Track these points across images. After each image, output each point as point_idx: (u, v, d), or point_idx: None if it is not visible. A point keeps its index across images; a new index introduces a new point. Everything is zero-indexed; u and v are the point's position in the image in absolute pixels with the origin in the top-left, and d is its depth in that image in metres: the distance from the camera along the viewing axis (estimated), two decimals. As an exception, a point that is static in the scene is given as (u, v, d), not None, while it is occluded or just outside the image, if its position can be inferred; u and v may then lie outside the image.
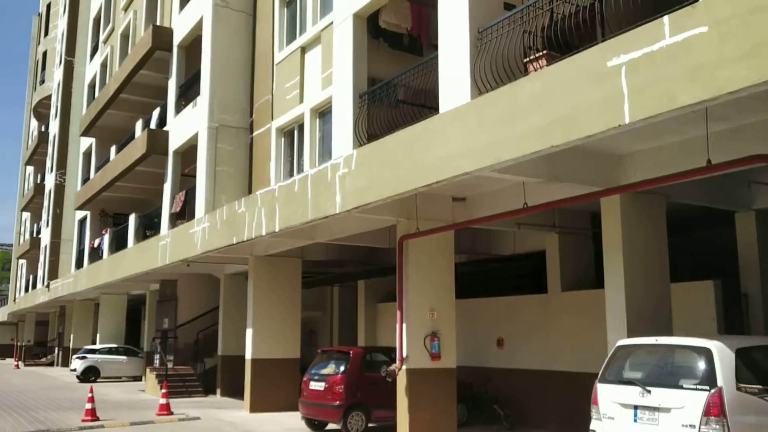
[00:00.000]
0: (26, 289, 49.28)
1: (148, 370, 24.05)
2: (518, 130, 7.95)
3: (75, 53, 41.22)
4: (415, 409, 11.89)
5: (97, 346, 30.28)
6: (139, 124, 25.25)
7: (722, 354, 7.35)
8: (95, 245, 30.24)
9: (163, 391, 17.02)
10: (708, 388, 7.17)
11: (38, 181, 48.65)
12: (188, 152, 21.47)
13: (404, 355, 11.98)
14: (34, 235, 48.05)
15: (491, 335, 15.50)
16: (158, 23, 24.16)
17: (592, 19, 9.20)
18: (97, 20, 35.35)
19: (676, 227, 11.36)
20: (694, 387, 7.31)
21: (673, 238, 10.85)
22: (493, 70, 9.35)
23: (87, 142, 34.52)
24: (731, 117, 8.23)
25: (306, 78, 16.30)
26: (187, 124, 20.67)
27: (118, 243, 27.35)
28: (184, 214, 20.31)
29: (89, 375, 28.34)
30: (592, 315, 13.04)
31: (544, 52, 8.58)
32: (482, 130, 8.43)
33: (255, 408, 17.04)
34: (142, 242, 22.51)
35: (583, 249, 14.42)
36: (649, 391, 7.65)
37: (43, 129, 48.66)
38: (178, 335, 23.88)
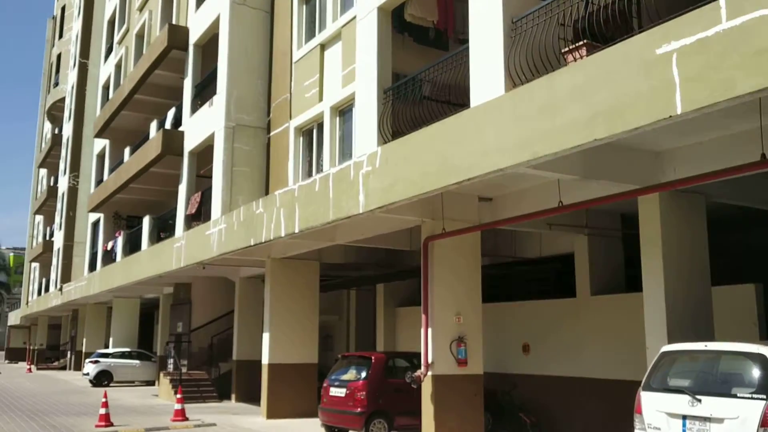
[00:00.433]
0: (39, 293, 49.16)
1: (161, 374, 23.71)
2: (558, 124, 7.53)
3: (89, 55, 41.08)
4: (441, 417, 11.44)
5: (110, 350, 29.99)
6: (153, 125, 24.96)
7: (778, 360, 6.89)
8: (108, 248, 29.98)
9: (178, 396, 16.65)
10: (765, 397, 6.71)
11: (51, 184, 48.54)
12: (204, 153, 21.13)
13: (430, 360, 11.54)
14: (47, 238, 47.89)
15: (516, 341, 15.03)
16: (174, 22, 23.87)
17: (629, 9, 8.78)
18: (111, 21, 35.19)
19: (713, 228, 10.88)
20: (749, 396, 6.84)
21: (710, 239, 10.39)
22: (528, 62, 8.91)
23: (101, 144, 34.31)
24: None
25: (325, 76, 15.92)
26: (203, 124, 20.34)
27: (132, 246, 27.07)
28: (199, 215, 19.96)
29: (102, 379, 28.07)
30: (625, 320, 12.58)
31: (585, 41, 8.13)
32: (518, 124, 8.01)
33: (272, 414, 16.62)
34: (156, 245, 22.20)
35: (613, 251, 13.95)
36: (699, 400, 7.18)
37: (56, 131, 48.57)
38: (192, 339, 23.55)
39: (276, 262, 17.21)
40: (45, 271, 48.76)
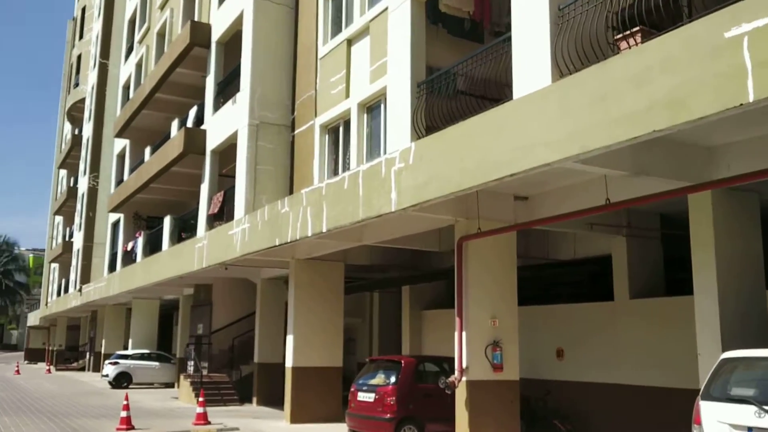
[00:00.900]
0: (58, 293, 49.16)
1: (181, 377, 23.39)
2: (611, 115, 7.05)
3: (109, 56, 41.01)
4: (476, 424, 10.95)
5: (130, 352, 29.75)
6: (174, 124, 24.68)
7: None
8: (128, 248, 29.75)
9: (200, 399, 16.27)
10: (841, 408, 6.19)
11: (71, 185, 48.55)
12: (226, 151, 20.79)
13: (464, 365, 11.06)
14: (67, 238, 47.89)
15: (550, 345, 14.52)
16: (196, 20, 23.57)
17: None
18: (132, 21, 35.05)
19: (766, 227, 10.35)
20: (823, 407, 6.32)
21: (763, 239, 9.86)
22: (578, 50, 8.43)
23: (121, 144, 34.16)
24: None
25: (352, 72, 15.51)
26: (226, 122, 19.99)
27: (152, 246, 26.79)
28: (222, 215, 19.61)
29: (121, 381, 27.83)
30: (668, 324, 12.06)
31: (640, 27, 7.64)
32: (567, 115, 7.53)
33: (296, 419, 16.19)
34: (177, 245, 21.87)
35: (652, 253, 13.42)
36: (767, 411, 6.66)
37: (76, 132, 48.58)
38: (213, 341, 23.22)
39: (300, 262, 16.80)
40: (64, 272, 48.76)
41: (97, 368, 37.66)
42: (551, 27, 8.68)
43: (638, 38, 7.65)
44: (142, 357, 29.10)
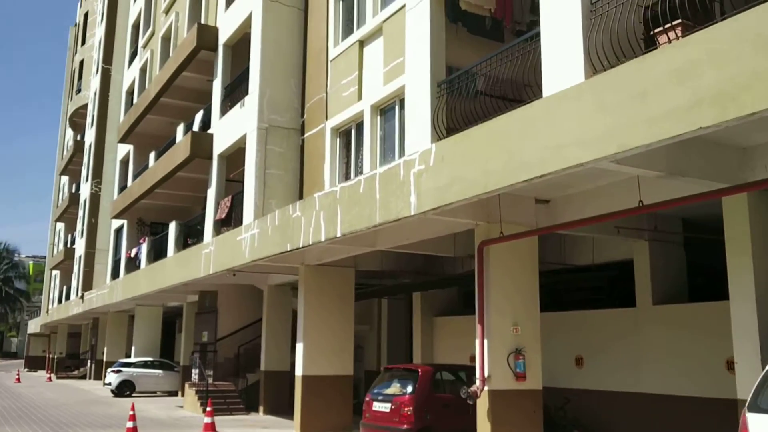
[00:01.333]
0: (59, 301, 48.75)
1: (186, 385, 22.99)
2: (652, 112, 6.70)
3: (112, 61, 40.74)
4: (499, 436, 10.57)
5: (133, 360, 29.33)
6: (180, 129, 24.35)
7: None
8: (132, 255, 29.37)
9: (208, 409, 15.90)
10: None
11: (73, 191, 48.20)
12: (234, 156, 20.45)
13: (486, 374, 10.68)
14: (68, 245, 47.50)
15: (569, 353, 14.16)
16: (202, 23, 23.26)
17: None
18: (136, 26, 34.79)
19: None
20: None
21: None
22: (613, 45, 8.09)
23: (124, 149, 33.85)
24: None
25: (365, 73, 15.19)
26: (234, 126, 19.65)
27: (157, 252, 26.42)
28: (230, 220, 19.25)
29: (124, 389, 27.44)
30: (694, 331, 11.70)
31: (680, 20, 7.31)
32: (603, 113, 7.18)
33: (306, 428, 15.80)
34: (183, 251, 21.50)
35: (675, 258, 13.07)
36: (821, 424, 6.30)
37: (78, 138, 48.27)
38: (218, 349, 22.83)
39: (310, 269, 16.44)
40: (66, 279, 48.37)
41: (98, 376, 37.26)
42: (583, 22, 8.34)
43: (678, 32, 7.31)
44: (145, 365, 28.67)
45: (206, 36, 21.54)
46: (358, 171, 15.54)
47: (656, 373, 12.38)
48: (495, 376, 10.68)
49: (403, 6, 13.45)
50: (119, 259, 32.49)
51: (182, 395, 24.69)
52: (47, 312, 54.40)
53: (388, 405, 12.23)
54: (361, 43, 15.38)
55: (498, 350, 10.79)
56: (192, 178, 23.57)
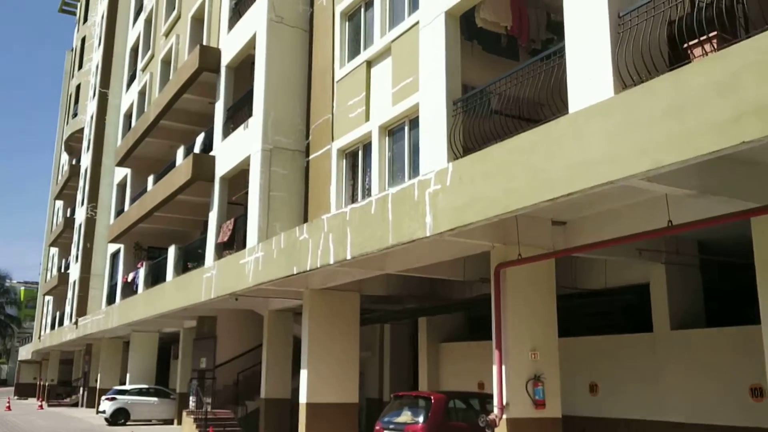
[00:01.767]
0: (52, 327, 48.01)
1: (184, 413, 22.39)
2: (689, 127, 6.45)
3: (110, 85, 40.55)
4: (518, 466, 10.17)
5: (128, 387, 28.70)
6: (180, 151, 24.07)
7: None
8: (129, 279, 28.90)
9: (210, 437, 15.42)
10: None
11: (68, 216, 47.73)
12: (236, 178, 20.15)
13: (504, 402, 10.30)
14: (63, 270, 46.91)
15: (583, 379, 13.78)
16: (204, 44, 23.10)
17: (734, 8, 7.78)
18: (134, 49, 34.69)
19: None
20: None
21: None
22: (644, 58, 7.86)
23: (121, 173, 33.53)
24: None
25: (373, 94, 14.99)
26: (237, 148, 19.38)
27: (155, 277, 25.97)
28: (232, 243, 18.89)
29: (119, 417, 26.75)
30: (714, 357, 11.37)
31: (716, 33, 7.09)
32: (636, 129, 6.92)
33: (310, 458, 15.32)
34: (183, 275, 21.10)
35: (692, 282, 12.78)
36: None
37: (74, 162, 47.94)
38: (217, 376, 22.33)
39: (315, 293, 16.08)
40: (59, 305, 47.70)
41: (91, 404, 36.54)
42: (612, 35, 8.13)
43: (714, 44, 7.09)
44: (140, 392, 28.02)
45: (209, 57, 21.36)
46: (366, 192, 15.27)
47: (677, 401, 12.03)
48: (513, 403, 10.31)
49: (413, 26, 13.29)
50: (115, 284, 31.99)
51: (179, 423, 24.10)
52: (39, 338, 53.59)
53: (400, 434, 11.82)
54: (369, 64, 15.20)
55: (516, 377, 10.44)
56: (191, 202, 23.25)
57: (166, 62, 28.16)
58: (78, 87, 48.83)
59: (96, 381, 35.84)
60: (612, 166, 7.17)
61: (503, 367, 10.41)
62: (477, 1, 11.08)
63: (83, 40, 49.76)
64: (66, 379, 49.40)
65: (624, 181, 7.25)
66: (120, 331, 29.59)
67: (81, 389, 41.41)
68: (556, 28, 12.26)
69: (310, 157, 17.61)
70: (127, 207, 30.87)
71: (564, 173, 7.68)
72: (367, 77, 15.18)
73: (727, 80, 6.21)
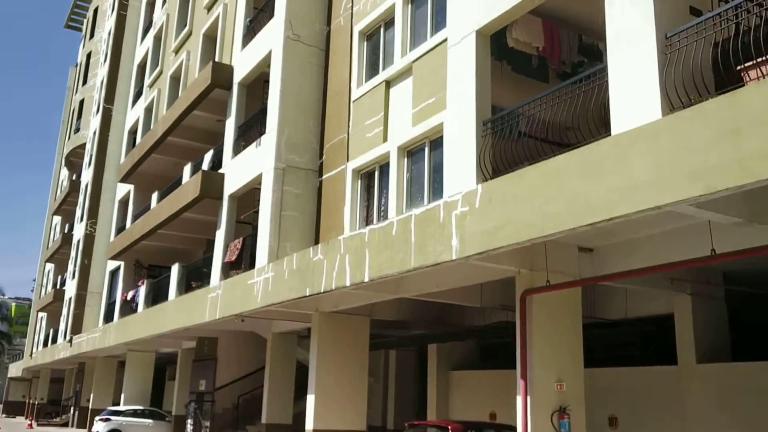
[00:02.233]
0: (45, 344, 47.23)
1: (182, 436, 21.88)
2: (746, 151, 6.19)
3: (114, 101, 40.31)
4: (543, 503, 9.76)
5: (122, 408, 28.04)
6: (187, 168, 23.75)
7: None
8: (128, 297, 28.39)
9: (212, 463, 14.92)
10: None
11: (66, 231, 47.20)
12: (245, 197, 19.82)
13: (529, 434, 9.91)
14: (58, 286, 46.26)
15: (602, 412, 13.37)
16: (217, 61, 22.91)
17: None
18: (142, 65, 34.50)
19: None
20: None
21: None
22: (695, 80, 7.61)
23: (123, 189, 33.16)
24: None
25: (391, 114, 14.73)
26: (248, 166, 19.07)
27: (156, 296, 25.49)
28: (240, 263, 18.50)
29: (112, 438, 26.09)
30: (744, 393, 11.01)
31: (772, 55, 6.86)
32: (687, 153, 6.64)
33: (316, 487, 14.84)
34: (186, 294, 20.67)
35: (717, 313, 12.46)
36: None
37: (74, 178, 47.53)
38: (216, 398, 21.82)
39: (324, 316, 15.69)
40: (53, 322, 46.96)
41: (81, 424, 35.77)
42: (659, 56, 7.88)
43: (770, 67, 6.85)
44: (135, 413, 27.33)
45: (221, 74, 21.14)
46: (381, 214, 14.95)
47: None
48: (539, 436, 9.92)
49: (436, 46, 13.08)
50: (113, 302, 31.43)
51: (176, 447, 23.53)
52: (31, 355, 52.73)
53: (415, 464, 11.39)
54: (388, 84, 14.97)
55: (541, 408, 10.06)
56: (196, 220, 22.88)
57: (176, 78, 27.94)
58: (81, 102, 48.61)
59: (88, 401, 35.11)
60: (660, 190, 6.88)
61: (528, 398, 10.03)
62: (509, 21, 10.86)
63: (89, 56, 49.63)
64: (56, 398, 48.49)
65: (672, 207, 6.97)
66: (115, 350, 29.04)
67: (72, 409, 40.59)
68: (587, 51, 12.07)
69: (324, 176, 17.31)
70: (128, 224, 30.45)
71: (605, 197, 7.39)
72: (386, 97, 14.94)
73: (788, 103, 5.97)
